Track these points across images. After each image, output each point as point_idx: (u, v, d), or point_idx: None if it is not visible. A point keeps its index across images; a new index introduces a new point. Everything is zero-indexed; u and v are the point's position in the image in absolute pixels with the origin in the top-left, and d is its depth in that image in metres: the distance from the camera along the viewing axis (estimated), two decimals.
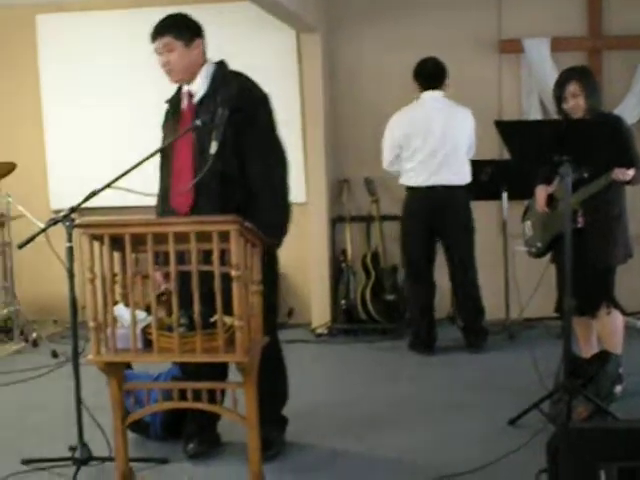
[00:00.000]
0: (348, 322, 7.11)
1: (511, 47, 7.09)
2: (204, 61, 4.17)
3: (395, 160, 6.33)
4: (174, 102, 4.26)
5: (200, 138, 4.02)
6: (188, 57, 4.11)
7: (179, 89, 4.25)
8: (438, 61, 6.26)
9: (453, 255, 6.36)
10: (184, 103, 4.18)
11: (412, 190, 6.27)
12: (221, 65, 4.21)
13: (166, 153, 4.18)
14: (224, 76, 4.17)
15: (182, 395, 3.60)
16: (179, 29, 4.11)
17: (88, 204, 3.89)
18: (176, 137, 4.05)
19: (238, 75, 4.22)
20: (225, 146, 3.95)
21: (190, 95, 4.16)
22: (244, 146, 4.04)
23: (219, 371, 4.08)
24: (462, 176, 6.26)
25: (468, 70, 6.86)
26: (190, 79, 4.14)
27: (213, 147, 3.85)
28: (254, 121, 4.07)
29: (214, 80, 4.14)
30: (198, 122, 3.90)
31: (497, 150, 6.80)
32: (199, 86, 4.14)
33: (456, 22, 7.15)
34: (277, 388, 4.39)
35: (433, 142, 6.16)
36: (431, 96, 6.25)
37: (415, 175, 6.23)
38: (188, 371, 4.13)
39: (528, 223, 5.36)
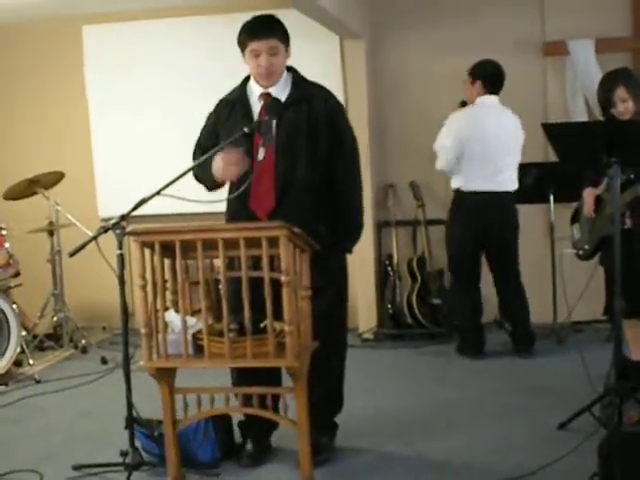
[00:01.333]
0: (395, 327, 7.10)
1: (555, 49, 7.06)
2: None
3: (453, 163, 6.25)
4: (240, 101, 4.15)
5: (283, 142, 4.04)
6: (285, 63, 4.12)
7: (242, 88, 4.18)
8: (499, 64, 6.22)
9: (501, 260, 6.33)
10: (260, 105, 4.10)
11: (463, 194, 6.23)
12: (296, 72, 4.20)
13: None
14: (303, 84, 4.17)
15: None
16: (283, 33, 4.07)
17: (137, 212, 3.92)
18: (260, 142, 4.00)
19: (318, 86, 4.23)
20: (317, 155, 4.06)
21: (268, 97, 4.08)
22: (334, 157, 4.12)
23: (272, 378, 4.08)
24: (512, 182, 6.22)
25: (513, 73, 6.79)
26: (274, 84, 4.11)
27: (261, 153, 3.88)
28: (343, 134, 4.17)
29: (295, 87, 4.12)
30: (246, 129, 3.90)
31: (542, 153, 6.77)
32: (280, 91, 4.10)
33: (500, 25, 7.13)
34: (333, 395, 4.40)
35: (488, 147, 6.11)
36: (489, 101, 6.20)
37: (468, 179, 6.18)
38: (241, 379, 4.11)
39: (576, 225, 5.33)
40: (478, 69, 6.23)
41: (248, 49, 4.04)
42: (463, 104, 6.38)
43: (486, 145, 6.12)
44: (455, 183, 6.29)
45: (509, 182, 6.21)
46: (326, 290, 4.06)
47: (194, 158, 4.25)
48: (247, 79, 4.21)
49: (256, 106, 4.12)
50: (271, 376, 4.01)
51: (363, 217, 4.37)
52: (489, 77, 6.21)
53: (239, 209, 4.08)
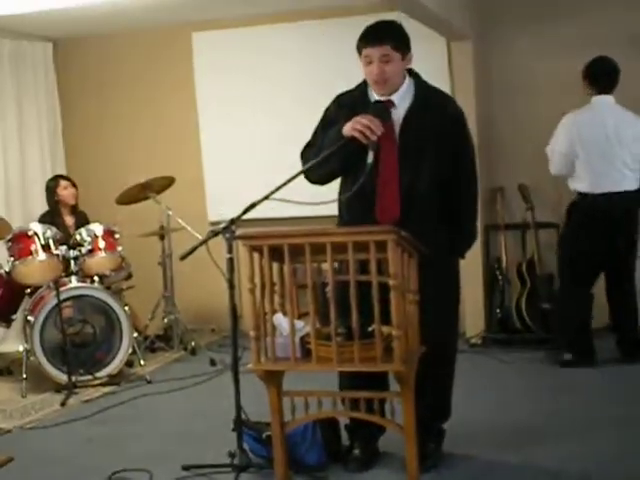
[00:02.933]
0: (503, 331, 7.00)
1: None
2: (405, 74, 4.10)
3: (569, 166, 6.11)
4: (361, 103, 4.07)
5: (407, 153, 4.01)
6: (402, 70, 4.03)
7: (363, 90, 4.12)
8: (614, 63, 6.07)
9: (616, 262, 6.17)
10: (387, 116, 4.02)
11: (583, 196, 6.07)
12: (419, 78, 4.13)
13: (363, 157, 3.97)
14: (427, 92, 4.11)
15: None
16: (398, 40, 3.99)
17: (246, 215, 3.95)
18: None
19: (440, 92, 4.21)
20: (440, 166, 4.04)
21: (390, 104, 4.04)
22: (455, 167, 4.10)
23: (380, 383, 4.06)
24: (633, 182, 6.03)
25: (628, 70, 6.65)
26: (393, 91, 4.05)
27: (370, 156, 3.86)
28: (466, 146, 4.18)
29: (418, 95, 4.07)
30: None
31: None
32: (401, 99, 4.04)
33: (613, 22, 6.92)
34: (442, 401, 4.37)
35: (603, 148, 5.96)
36: (603, 101, 6.05)
37: (587, 181, 6.03)
38: (349, 383, 4.11)
39: None
40: (587, 68, 6.10)
41: (362, 55, 4.01)
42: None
43: (601, 145, 5.96)
44: (573, 185, 6.14)
45: (629, 182, 6.02)
46: (440, 297, 4.04)
47: (304, 155, 4.18)
48: (366, 82, 4.13)
49: None
50: (378, 380, 3.99)
51: (477, 226, 4.37)
52: (597, 76, 6.06)
53: (364, 216, 3.99)
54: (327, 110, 4.22)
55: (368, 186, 3.96)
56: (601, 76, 6.06)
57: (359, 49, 4.02)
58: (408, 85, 4.08)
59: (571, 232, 6.24)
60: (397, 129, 4.03)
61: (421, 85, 4.12)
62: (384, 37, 3.96)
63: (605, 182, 5.98)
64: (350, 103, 4.10)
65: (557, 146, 6.15)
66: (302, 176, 4.02)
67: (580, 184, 6.08)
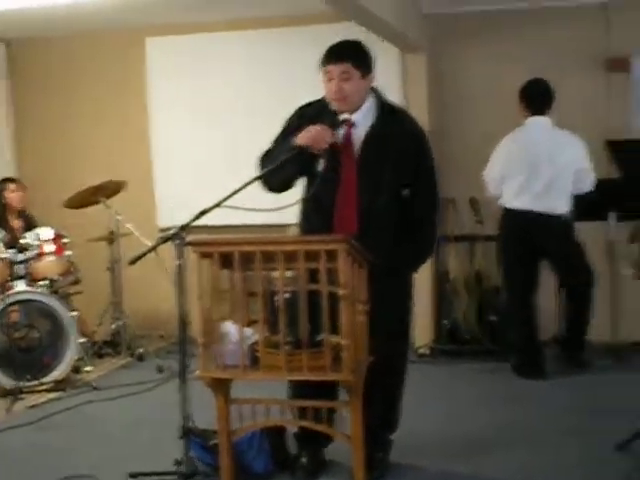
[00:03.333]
0: (451, 342, 7.05)
1: (619, 65, 6.96)
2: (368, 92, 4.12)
3: (499, 186, 6.26)
4: (319, 115, 4.08)
5: (367, 170, 4.03)
6: (362, 88, 4.04)
7: (325, 103, 4.12)
8: (547, 84, 6.16)
9: (561, 273, 6.28)
10: (341, 130, 4.05)
11: (508, 212, 6.19)
12: (380, 96, 4.15)
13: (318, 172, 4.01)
14: (389, 111, 4.13)
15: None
16: (359, 58, 4.02)
17: (196, 222, 3.93)
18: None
19: (401, 112, 4.25)
20: (400, 184, 4.08)
21: (350, 124, 4.05)
22: (416, 187, 4.13)
23: (329, 392, 4.07)
24: (562, 205, 6.10)
25: (575, 88, 6.75)
26: (355, 109, 4.06)
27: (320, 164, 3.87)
28: (427, 166, 4.20)
29: (379, 115, 4.09)
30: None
31: (604, 169, 6.68)
32: (362, 118, 4.06)
33: (563, 40, 7.05)
34: (390, 412, 4.38)
35: (533, 169, 6.05)
36: (537, 122, 6.14)
37: (513, 198, 6.14)
38: (298, 392, 4.11)
39: (637, 245, 5.24)
40: (522, 90, 6.20)
41: (322, 72, 4.02)
42: None
43: (530, 165, 6.06)
44: (501, 200, 6.27)
45: (558, 204, 6.09)
46: (393, 308, 4.07)
47: (261, 163, 4.17)
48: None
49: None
50: (327, 390, 4.00)
51: (435, 241, 4.39)
52: (531, 98, 6.16)
53: (322, 230, 3.99)
54: (288, 120, 4.23)
55: (326, 200, 4.02)
56: (535, 97, 6.16)
57: (321, 65, 4.03)
58: (370, 104, 4.11)
59: (499, 248, 6.43)
60: (358, 147, 4.05)
61: (383, 104, 4.15)
62: (345, 55, 3.99)
63: (530, 200, 6.07)
64: (311, 115, 4.11)
65: (490, 171, 6.31)
66: (255, 183, 4.01)
67: (506, 200, 6.21)
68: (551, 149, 6.07)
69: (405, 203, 4.12)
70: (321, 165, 3.86)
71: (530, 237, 6.12)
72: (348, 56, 3.98)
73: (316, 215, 4.08)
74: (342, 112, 4.05)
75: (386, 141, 4.04)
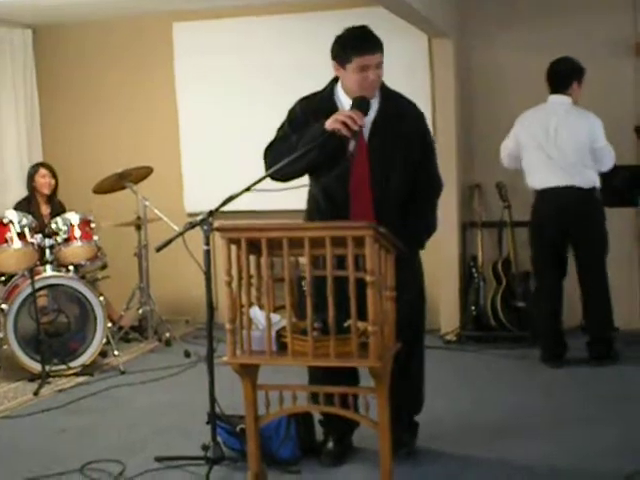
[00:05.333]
0: (478, 329, 7.03)
1: None
2: None
3: (514, 161, 6.30)
4: (322, 107, 4.07)
5: (377, 156, 4.05)
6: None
7: (329, 94, 4.13)
8: (569, 63, 6.13)
9: (582, 258, 6.17)
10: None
11: (537, 193, 6.15)
12: (382, 83, 4.15)
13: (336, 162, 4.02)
14: (387, 95, 4.15)
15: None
16: (383, 46, 4.03)
17: (224, 208, 3.94)
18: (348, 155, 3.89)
19: (398, 95, 4.22)
20: (408, 170, 4.11)
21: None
22: (420, 169, 4.17)
23: (350, 377, 4.08)
24: (585, 180, 6.02)
25: (604, 73, 6.68)
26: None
27: (351, 145, 3.84)
28: (431, 148, 4.25)
29: (382, 101, 4.11)
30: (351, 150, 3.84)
31: (634, 155, 6.63)
32: (373, 104, 4.07)
33: (592, 25, 6.99)
34: (414, 393, 4.41)
35: (549, 147, 6.02)
36: (554, 100, 6.12)
37: (533, 178, 6.14)
38: (318, 378, 4.11)
39: None
40: (547, 69, 6.17)
41: (354, 63, 3.96)
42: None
43: (541, 143, 6.04)
44: (528, 180, 6.24)
45: (580, 179, 6.01)
46: (408, 290, 4.05)
47: (269, 154, 4.15)
48: (333, 88, 4.15)
49: None
50: (349, 375, 4.01)
51: (437, 217, 4.36)
52: (551, 76, 6.15)
53: (336, 218, 4.03)
54: (292, 111, 4.22)
55: (340, 195, 4.05)
56: (554, 76, 6.13)
57: (348, 57, 3.97)
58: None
59: (530, 230, 6.35)
60: (366, 134, 4.05)
61: (385, 90, 4.16)
62: (378, 44, 4.00)
63: (550, 178, 6.03)
64: (314, 107, 4.11)
65: (506, 140, 6.32)
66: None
67: (529, 181, 6.21)
68: (566, 127, 6.02)
69: (412, 185, 4.16)
70: (352, 146, 3.82)
71: (558, 214, 6.03)
72: (380, 45, 4.00)
73: (330, 205, 4.11)
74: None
75: (393, 127, 4.06)
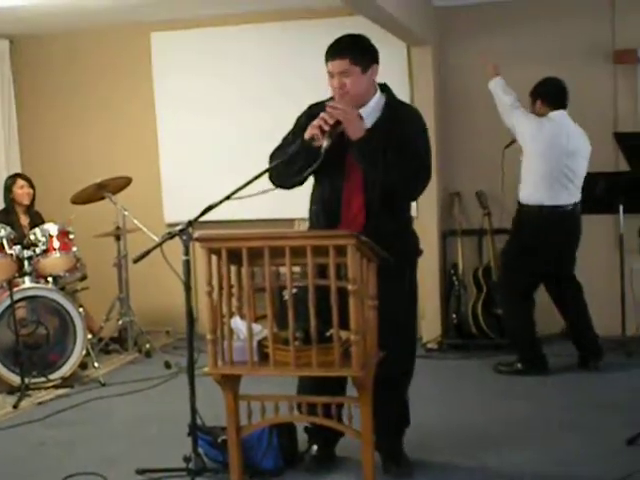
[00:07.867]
0: (459, 337, 7.04)
1: (626, 57, 6.94)
2: (376, 87, 4.11)
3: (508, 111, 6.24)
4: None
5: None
6: (364, 83, 4.01)
7: (332, 99, 4.10)
8: (560, 81, 6.10)
9: (563, 273, 6.19)
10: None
11: (529, 207, 6.07)
12: (390, 94, 4.14)
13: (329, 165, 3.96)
14: (395, 107, 4.12)
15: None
16: (358, 53, 3.98)
17: (204, 218, 3.91)
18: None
19: (409, 107, 4.26)
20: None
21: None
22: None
23: (337, 387, 4.06)
24: (577, 195, 6.05)
25: (582, 81, 6.71)
26: (360, 105, 4.04)
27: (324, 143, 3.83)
28: (423, 138, 4.14)
29: (385, 110, 4.08)
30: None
31: (612, 162, 6.66)
32: (369, 113, 4.05)
33: (569, 33, 7.04)
34: (404, 409, 4.38)
35: (557, 164, 5.96)
36: (562, 115, 6.05)
37: (535, 192, 6.03)
38: (307, 388, 4.09)
39: None
40: (540, 87, 6.11)
41: (327, 69, 4.01)
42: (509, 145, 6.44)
43: (556, 161, 5.97)
44: (523, 195, 6.12)
45: (574, 195, 6.03)
46: (397, 301, 4.03)
47: (272, 158, 4.14)
48: None
49: None
50: (336, 385, 3.99)
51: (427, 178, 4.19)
52: (554, 94, 6.08)
53: (330, 224, 4.04)
54: (299, 119, 4.22)
55: (334, 202, 4.04)
56: (558, 94, 6.08)
57: (325, 62, 4.02)
58: (378, 99, 4.10)
59: (518, 242, 6.22)
60: None
61: (391, 100, 4.13)
62: (343, 51, 3.97)
63: (551, 196, 5.98)
64: (317, 113, 4.03)
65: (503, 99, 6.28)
66: (261, 178, 3.98)
67: (528, 195, 6.07)
68: (577, 142, 6.02)
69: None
70: (325, 144, 3.80)
71: (550, 230, 6.00)
72: (347, 52, 3.96)
73: (324, 214, 4.09)
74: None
75: (390, 130, 4.01)
